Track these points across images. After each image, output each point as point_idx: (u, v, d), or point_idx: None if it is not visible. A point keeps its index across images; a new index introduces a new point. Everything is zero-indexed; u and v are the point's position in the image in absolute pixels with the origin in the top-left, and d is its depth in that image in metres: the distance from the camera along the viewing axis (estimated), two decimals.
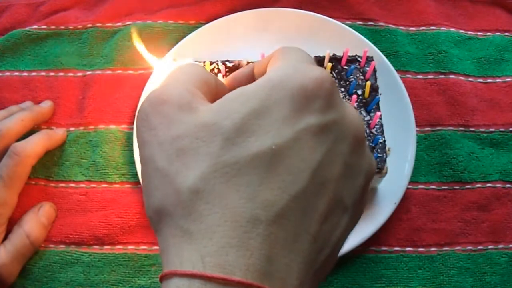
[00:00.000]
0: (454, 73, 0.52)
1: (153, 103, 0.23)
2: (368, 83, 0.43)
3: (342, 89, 0.44)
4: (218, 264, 0.19)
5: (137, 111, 0.24)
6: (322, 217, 0.21)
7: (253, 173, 0.20)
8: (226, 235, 0.20)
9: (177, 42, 0.50)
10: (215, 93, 0.26)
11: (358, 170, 0.23)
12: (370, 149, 0.42)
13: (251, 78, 0.30)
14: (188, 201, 0.20)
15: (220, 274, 0.19)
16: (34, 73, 0.52)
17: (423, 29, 0.54)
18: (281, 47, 0.27)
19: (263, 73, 0.25)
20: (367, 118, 0.43)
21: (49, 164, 0.49)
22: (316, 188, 0.21)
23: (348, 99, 0.44)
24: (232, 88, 0.23)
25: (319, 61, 0.45)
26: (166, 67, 0.42)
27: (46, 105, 0.50)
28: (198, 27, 0.51)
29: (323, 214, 0.21)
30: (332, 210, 0.22)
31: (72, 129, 0.50)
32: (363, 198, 0.25)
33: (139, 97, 0.48)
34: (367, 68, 0.45)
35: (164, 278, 0.21)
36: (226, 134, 0.21)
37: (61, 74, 0.52)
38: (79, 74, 0.52)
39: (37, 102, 0.50)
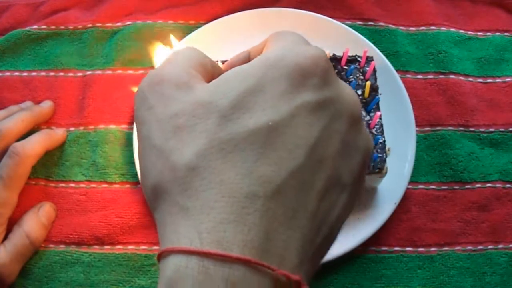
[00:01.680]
0: (454, 73, 0.52)
1: (151, 82, 0.23)
2: (368, 83, 0.43)
3: None
4: (215, 240, 0.19)
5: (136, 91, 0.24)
6: (320, 194, 0.22)
7: (250, 149, 0.20)
8: (223, 211, 0.20)
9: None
10: (211, 75, 0.26)
11: (355, 148, 0.23)
12: None
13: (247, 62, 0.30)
14: (184, 178, 0.20)
15: (217, 250, 0.19)
16: (34, 73, 0.52)
17: (423, 29, 0.54)
18: (276, 31, 0.27)
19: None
20: (367, 118, 0.43)
21: (49, 164, 0.49)
22: (313, 164, 0.21)
23: None
24: None
25: None
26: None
27: (46, 105, 0.50)
28: (198, 27, 0.51)
29: (321, 191, 0.22)
30: (330, 188, 0.22)
31: (72, 129, 0.50)
32: (362, 177, 0.25)
33: None
34: (367, 68, 0.45)
35: (161, 256, 0.21)
36: (222, 112, 0.21)
37: (61, 74, 0.52)
38: (79, 74, 0.52)
39: (37, 102, 0.50)
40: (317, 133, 0.22)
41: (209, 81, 0.24)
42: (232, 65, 0.30)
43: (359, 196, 0.25)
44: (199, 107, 0.22)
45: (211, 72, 0.26)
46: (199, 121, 0.21)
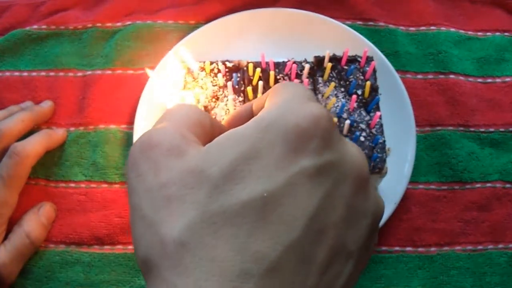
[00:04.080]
0: (454, 73, 0.52)
1: (142, 148, 0.22)
2: (368, 83, 0.43)
3: (342, 89, 0.44)
4: None
5: (129, 156, 0.23)
6: (321, 267, 0.20)
7: (243, 223, 0.19)
8: None
9: (177, 42, 0.50)
10: (210, 134, 0.25)
11: (362, 212, 0.22)
12: (370, 149, 0.42)
13: (250, 116, 0.28)
14: (174, 253, 0.19)
15: None
16: (34, 73, 0.52)
17: (423, 29, 0.54)
18: (279, 83, 0.26)
19: (261, 109, 0.24)
20: (367, 118, 0.43)
21: (49, 164, 0.49)
22: (313, 236, 0.20)
23: (348, 99, 0.44)
24: (231, 128, 0.22)
25: (319, 61, 0.45)
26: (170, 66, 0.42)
27: (46, 105, 0.50)
28: (198, 27, 0.51)
29: (322, 263, 0.20)
30: (333, 258, 0.21)
31: (72, 129, 0.50)
32: (371, 241, 0.23)
33: (139, 97, 0.48)
34: (367, 68, 0.45)
35: None
36: (213, 182, 0.20)
37: (61, 74, 0.52)
38: (79, 74, 0.52)
39: (37, 102, 0.50)
40: (318, 201, 0.20)
41: (207, 141, 0.22)
42: (235, 119, 0.29)
43: (369, 259, 0.23)
44: (190, 176, 0.20)
45: (210, 131, 0.25)
46: (189, 191, 0.20)
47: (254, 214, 0.19)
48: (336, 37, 0.50)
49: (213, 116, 0.43)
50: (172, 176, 0.20)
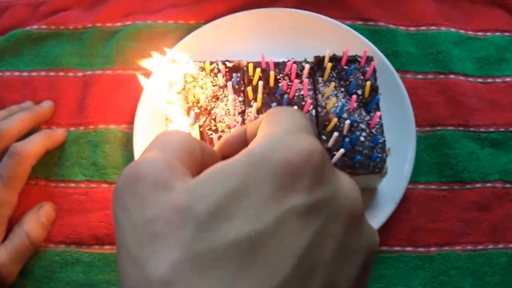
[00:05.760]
0: (454, 73, 0.52)
1: (128, 181, 0.21)
2: (368, 83, 0.43)
3: (342, 89, 0.44)
4: None
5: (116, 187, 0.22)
6: None
7: (229, 263, 0.18)
8: None
9: (177, 42, 0.51)
10: (201, 163, 0.24)
11: (355, 250, 0.21)
12: (370, 149, 0.42)
13: (244, 141, 0.28)
14: None
15: None
16: (34, 73, 0.52)
17: (423, 29, 0.54)
18: (274, 108, 0.25)
19: (255, 136, 0.23)
20: (367, 118, 0.43)
21: (49, 164, 0.49)
22: (302, 275, 0.19)
23: (348, 99, 0.44)
24: (223, 154, 0.21)
25: (319, 61, 0.45)
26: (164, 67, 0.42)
27: (46, 105, 0.50)
28: (198, 27, 0.51)
29: None
30: None
31: (72, 129, 0.50)
32: (364, 277, 0.22)
33: (139, 97, 0.48)
34: (367, 68, 0.45)
35: None
36: (199, 220, 0.19)
37: (61, 74, 0.52)
38: (79, 74, 0.52)
39: (37, 102, 0.50)
40: (307, 241, 0.19)
41: (197, 170, 0.22)
42: (227, 144, 0.29)
43: None
44: (176, 213, 0.19)
45: (201, 159, 0.24)
46: (175, 229, 0.19)
47: (240, 255, 0.18)
48: (336, 37, 0.50)
49: (213, 117, 0.43)
50: (158, 212, 0.20)
